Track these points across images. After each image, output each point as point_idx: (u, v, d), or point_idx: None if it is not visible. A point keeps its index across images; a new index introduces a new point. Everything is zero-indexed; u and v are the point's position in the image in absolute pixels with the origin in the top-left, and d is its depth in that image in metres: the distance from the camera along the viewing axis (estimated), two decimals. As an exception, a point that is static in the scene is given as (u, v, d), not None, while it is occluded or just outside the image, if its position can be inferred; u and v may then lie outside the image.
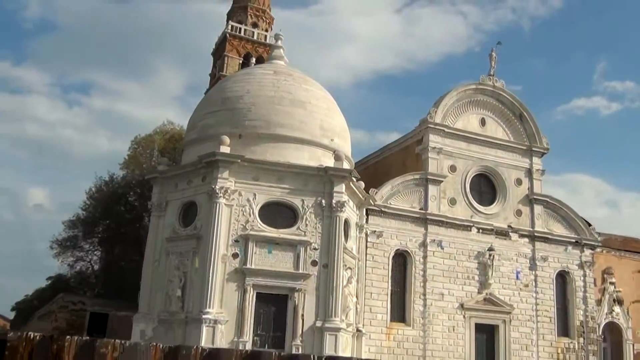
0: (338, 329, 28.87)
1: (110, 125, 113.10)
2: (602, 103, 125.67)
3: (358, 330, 33.40)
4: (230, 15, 58.21)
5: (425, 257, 37.76)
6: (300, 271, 29.27)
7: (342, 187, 30.57)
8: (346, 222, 32.72)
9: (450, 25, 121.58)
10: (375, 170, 43.77)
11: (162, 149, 38.41)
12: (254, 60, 54.95)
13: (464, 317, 37.98)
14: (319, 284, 29.41)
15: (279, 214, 29.87)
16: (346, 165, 32.98)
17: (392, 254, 37.13)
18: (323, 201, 30.28)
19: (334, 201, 30.26)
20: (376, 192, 37.36)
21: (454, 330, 37.53)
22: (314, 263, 29.64)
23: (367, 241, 36.18)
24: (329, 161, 31.06)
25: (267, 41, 56.44)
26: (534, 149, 42.67)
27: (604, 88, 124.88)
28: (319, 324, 28.85)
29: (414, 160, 40.45)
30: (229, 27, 55.46)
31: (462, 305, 37.98)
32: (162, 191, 32.19)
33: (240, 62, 54.89)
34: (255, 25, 57.45)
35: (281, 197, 29.97)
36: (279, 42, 36.78)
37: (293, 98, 31.67)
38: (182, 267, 29.68)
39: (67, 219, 39.45)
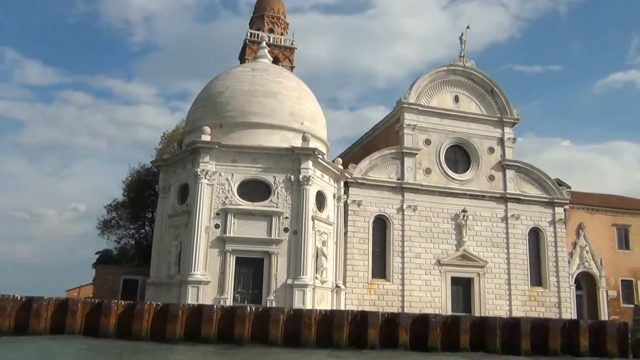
0: (306, 285, 29.07)
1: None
2: (638, 75, 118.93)
3: (337, 286, 33.49)
4: (250, 24, 58.55)
5: (402, 221, 37.31)
6: (273, 237, 29.59)
7: (308, 164, 30.57)
8: (321, 194, 32.79)
9: (492, 16, 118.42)
10: (368, 147, 43.31)
11: (181, 141, 39.43)
12: (271, 60, 55.21)
13: (440, 272, 37.35)
14: (290, 247, 29.67)
15: (254, 189, 30.21)
16: (318, 145, 32.96)
17: (372, 219, 36.88)
18: (292, 177, 30.41)
19: (301, 176, 30.34)
20: (355, 167, 37.23)
21: (430, 283, 36.98)
22: (285, 230, 29.90)
23: (347, 209, 36.19)
24: (299, 142, 31.06)
25: (283, 44, 56.63)
26: (504, 120, 41.06)
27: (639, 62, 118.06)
28: (289, 281, 29.15)
29: (395, 136, 39.81)
30: (248, 34, 55.80)
31: (438, 262, 37.35)
32: (165, 176, 33.21)
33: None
34: (271, 30, 57.44)
35: (256, 175, 30.32)
36: (264, 44, 36.90)
37: (265, 90, 31.83)
38: (178, 237, 30.63)
39: (107, 204, 41.38)
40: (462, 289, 38.01)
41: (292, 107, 32.02)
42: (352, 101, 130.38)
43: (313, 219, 31.14)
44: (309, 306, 28.38)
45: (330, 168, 33.41)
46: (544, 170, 41.42)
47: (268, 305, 27.95)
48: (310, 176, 30.43)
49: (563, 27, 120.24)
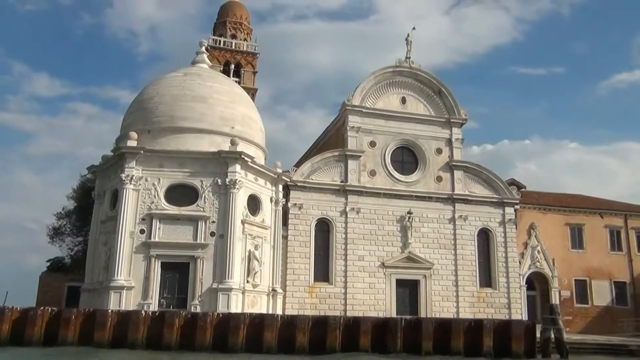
0: (230, 289, 28.93)
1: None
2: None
3: (274, 290, 33.36)
4: (214, 31, 58.84)
5: (346, 224, 37.16)
6: (199, 241, 29.49)
7: (235, 168, 30.50)
8: (255, 198, 32.74)
9: (494, 20, 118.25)
10: (321, 150, 43.21)
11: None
12: (232, 66, 55.61)
13: (384, 274, 37.12)
14: (216, 251, 29.57)
15: (181, 194, 30.13)
16: (252, 149, 32.96)
17: (315, 222, 36.75)
18: (219, 180, 30.38)
19: (227, 180, 30.28)
20: (296, 170, 37.21)
21: (374, 286, 36.75)
22: (212, 234, 29.81)
23: (288, 213, 36.12)
24: (236, 147, 30.95)
25: (246, 49, 56.83)
26: (452, 120, 40.88)
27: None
28: (214, 285, 29.06)
29: (342, 139, 39.76)
30: (209, 40, 55.99)
31: (383, 264, 37.12)
32: (101, 183, 33.22)
33: (221, 69, 55.30)
34: (234, 36, 57.64)
35: (183, 179, 30.29)
36: (202, 48, 36.83)
37: (195, 94, 31.85)
38: (107, 243, 30.60)
39: (57, 212, 41.52)
40: (409, 291, 37.74)
41: (222, 111, 32.01)
42: None
43: (243, 222, 31.07)
44: (234, 310, 28.26)
45: (265, 172, 33.36)
46: (495, 171, 41.13)
47: (192, 310, 27.96)
48: (237, 180, 30.36)
49: (566, 28, 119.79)
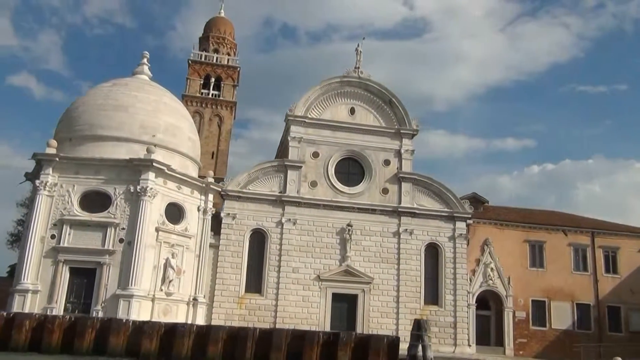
0: (132, 296, 28.93)
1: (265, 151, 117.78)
2: None
3: (195, 299, 33.20)
4: (199, 45, 59.94)
5: (281, 235, 36.65)
6: (107, 248, 29.77)
7: (148, 175, 30.73)
8: (175, 206, 32.88)
9: (554, 37, 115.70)
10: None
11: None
12: (212, 80, 56.50)
13: (320, 287, 36.27)
14: (123, 258, 29.80)
15: (95, 201, 30.53)
16: (177, 159, 33.24)
17: (249, 233, 36.45)
18: (131, 188, 30.69)
19: (139, 187, 30.54)
20: (231, 180, 37.15)
21: (308, 299, 35.91)
22: (120, 241, 30.04)
23: (221, 222, 36.01)
24: (151, 155, 31.25)
25: (229, 63, 57.64)
26: (402, 131, 39.79)
27: None
28: (118, 292, 29.22)
29: (287, 149, 39.42)
30: (191, 55, 57.16)
31: (318, 277, 36.31)
32: (31, 190, 34.26)
33: (201, 82, 56.39)
34: (216, 51, 58.58)
35: (97, 186, 30.72)
36: (144, 60, 37.48)
37: (117, 104, 32.41)
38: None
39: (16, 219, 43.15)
40: (347, 305, 36.69)
41: (143, 120, 32.41)
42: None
43: (158, 230, 31.20)
44: (134, 317, 28.19)
45: (190, 180, 33.45)
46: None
47: (93, 315, 28.18)
48: (149, 187, 30.54)
49: (628, 44, 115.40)
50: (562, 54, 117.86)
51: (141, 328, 21.78)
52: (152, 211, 30.84)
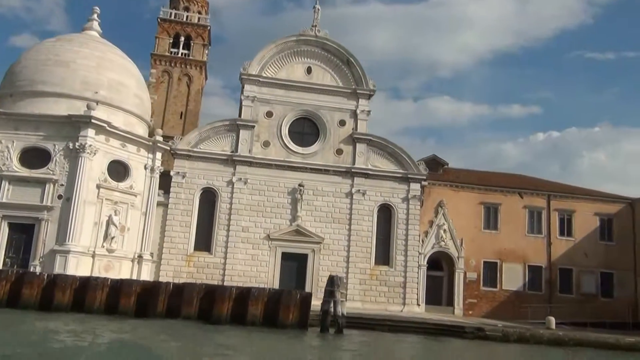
0: (68, 252, 29.12)
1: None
2: None
3: (140, 256, 33.37)
4: (169, 4, 58.77)
5: (232, 194, 36.59)
6: (45, 204, 29.80)
7: (87, 132, 30.50)
8: (120, 163, 32.76)
9: (563, 2, 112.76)
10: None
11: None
12: (182, 39, 55.59)
13: (269, 246, 36.39)
14: (61, 214, 29.83)
15: (35, 157, 30.40)
16: (122, 116, 32.92)
17: (199, 191, 36.39)
18: (71, 144, 30.51)
19: (77, 144, 30.37)
20: (181, 138, 36.90)
21: (257, 258, 36.09)
22: (59, 197, 30.05)
23: (171, 181, 35.93)
24: (91, 111, 30.98)
25: (199, 22, 56.57)
26: (359, 91, 39.20)
27: None
28: (55, 247, 29.37)
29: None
30: (161, 13, 56.13)
31: (268, 236, 36.40)
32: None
33: (171, 41, 55.48)
34: (187, 9, 57.40)
35: (36, 143, 30.56)
36: (95, 15, 36.80)
37: (58, 59, 31.96)
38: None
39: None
40: (297, 265, 36.84)
41: (85, 75, 32.00)
42: (416, 91, 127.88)
43: (99, 187, 31.15)
44: (71, 272, 28.36)
45: (135, 138, 33.21)
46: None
47: (31, 270, 28.36)
48: (88, 144, 30.36)
49: (638, 11, 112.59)
50: (571, 19, 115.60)
51: (54, 281, 21.87)
52: (93, 168, 30.72)
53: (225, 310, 21.17)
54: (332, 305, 21.82)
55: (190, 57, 55.70)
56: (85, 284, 21.81)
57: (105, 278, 23.10)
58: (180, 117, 54.82)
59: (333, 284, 22.52)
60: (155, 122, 52.78)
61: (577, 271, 38.95)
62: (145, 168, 34.11)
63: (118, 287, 21.84)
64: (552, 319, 29.66)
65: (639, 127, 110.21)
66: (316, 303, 34.51)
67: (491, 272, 38.70)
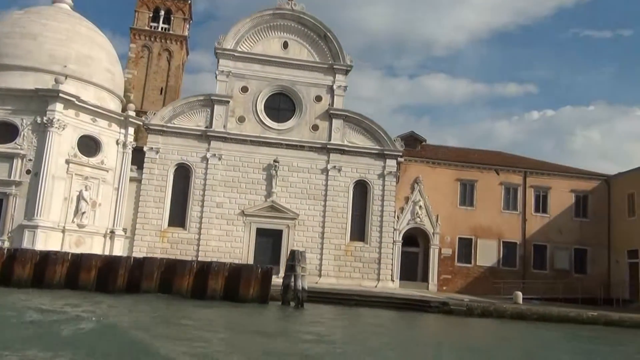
0: (36, 227, 29.02)
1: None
2: None
3: (112, 231, 33.30)
4: (150, -24, 57.78)
5: (206, 170, 36.43)
6: (13, 179, 29.58)
7: (55, 106, 30.15)
8: (91, 138, 32.48)
9: None
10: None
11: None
12: (162, 13, 54.77)
13: (244, 222, 36.37)
14: (30, 189, 29.63)
15: (2, 131, 30.05)
16: (92, 90, 32.52)
17: (173, 167, 36.20)
18: (38, 119, 30.17)
19: (45, 118, 30.04)
20: (155, 114, 36.56)
21: (232, 234, 36.09)
22: (28, 172, 29.82)
23: (144, 156, 35.69)
24: (59, 85, 30.59)
25: (179, -5, 55.67)
26: (335, 67, 38.82)
27: None
28: (24, 222, 29.23)
29: (218, 84, 38.51)
30: (141, -15, 55.18)
31: (243, 212, 36.35)
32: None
33: (150, 15, 54.65)
34: (167, -18, 56.64)
35: (4, 117, 30.19)
36: (65, -12, 36.14)
37: (25, 32, 31.42)
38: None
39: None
40: (272, 240, 36.88)
41: (53, 49, 31.50)
42: (412, 69, 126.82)
43: (68, 162, 30.92)
44: (40, 247, 28.24)
45: (106, 113, 32.87)
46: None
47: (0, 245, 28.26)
48: (56, 119, 30.03)
49: None
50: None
51: (14, 256, 21.77)
52: (62, 143, 30.45)
53: (186, 285, 21.19)
54: (292, 279, 21.86)
55: (171, 32, 54.99)
56: (46, 259, 21.73)
57: (65, 252, 23.02)
58: (161, 93, 54.30)
59: (294, 258, 22.55)
60: (135, 98, 52.41)
61: (552, 247, 39.15)
62: (117, 143, 33.84)
63: (78, 261, 21.77)
64: (520, 294, 29.90)
65: (633, 105, 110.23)
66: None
67: (466, 248, 38.86)
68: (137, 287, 20.98)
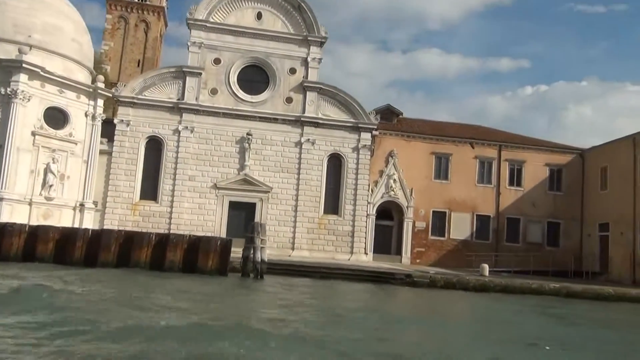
0: (1, 199, 28.68)
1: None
2: None
3: (82, 204, 33.09)
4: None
5: (178, 143, 36.12)
6: (-24, 151, 29.25)
7: (19, 77, 29.59)
8: (58, 110, 32.00)
9: None
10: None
11: None
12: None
13: (216, 195, 36.24)
14: (-6, 161, 29.27)
15: (-36, 103, 29.68)
16: (59, 61, 31.92)
17: (145, 140, 35.87)
18: (2, 90, 29.64)
19: (9, 90, 29.53)
20: (125, 85, 36.06)
21: (204, 207, 36.00)
22: (-8, 144, 29.46)
23: (115, 129, 35.33)
24: (23, 56, 30.00)
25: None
26: (310, 38, 38.30)
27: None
28: (-12, 195, 28.99)
29: (192, 56, 37.92)
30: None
31: (215, 185, 36.19)
32: None
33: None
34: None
35: (-34, 88, 29.71)
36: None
37: (-12, 0, 30.73)
38: None
39: None
40: (245, 214, 36.78)
41: (16, 18, 30.80)
42: (405, 44, 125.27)
43: (34, 134, 30.51)
44: (5, 219, 28.06)
45: (73, 84, 32.34)
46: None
47: (-36, 218, 28.03)
48: (20, 90, 29.51)
49: None
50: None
51: None
52: (27, 115, 29.99)
53: (144, 257, 21.10)
54: (252, 251, 21.83)
55: (147, 2, 54.19)
56: (2, 231, 21.55)
57: (22, 224, 22.80)
58: (138, 65, 53.73)
59: (253, 230, 22.48)
60: (111, 70, 51.78)
61: (525, 221, 39.33)
62: (86, 115, 33.37)
63: (35, 233, 21.60)
64: (486, 267, 30.12)
65: (625, 81, 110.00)
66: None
67: (440, 221, 38.97)
68: (94, 260, 20.87)
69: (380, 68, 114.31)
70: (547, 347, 11.74)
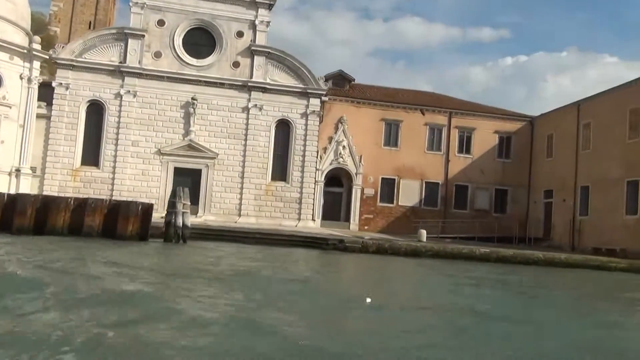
0: None
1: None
2: None
3: (18, 170, 32.29)
4: None
5: (120, 107, 35.24)
6: None
7: (-56, 36, 28.44)
8: (-10, 73, 30.93)
9: None
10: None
11: None
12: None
13: (160, 161, 35.64)
14: None
15: None
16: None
17: (85, 104, 34.92)
18: None
19: None
20: (63, 47, 34.88)
21: (148, 173, 35.41)
22: None
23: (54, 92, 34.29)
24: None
25: None
26: (258, 0, 37.33)
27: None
28: None
29: (135, 17, 36.73)
30: None
31: (159, 151, 35.55)
32: None
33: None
34: None
35: None
36: None
37: None
38: None
39: None
40: (191, 180, 36.23)
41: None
42: (386, 11, 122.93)
43: (-27, 97, 29.48)
44: None
45: (6, 45, 31.15)
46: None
47: None
48: (-54, 50, 28.34)
49: None
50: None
51: None
52: (-48, 76, 28.81)
53: (62, 222, 20.62)
54: (174, 216, 21.50)
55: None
56: None
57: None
58: (89, 27, 52.05)
59: (175, 195, 22.11)
60: (61, 32, 50.14)
61: (473, 188, 39.53)
62: (21, 78, 32.33)
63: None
64: (424, 232, 30.27)
65: (604, 52, 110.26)
66: (210, 218, 34.62)
67: (389, 188, 38.96)
68: (9, 226, 20.34)
69: (362, 36, 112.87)
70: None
